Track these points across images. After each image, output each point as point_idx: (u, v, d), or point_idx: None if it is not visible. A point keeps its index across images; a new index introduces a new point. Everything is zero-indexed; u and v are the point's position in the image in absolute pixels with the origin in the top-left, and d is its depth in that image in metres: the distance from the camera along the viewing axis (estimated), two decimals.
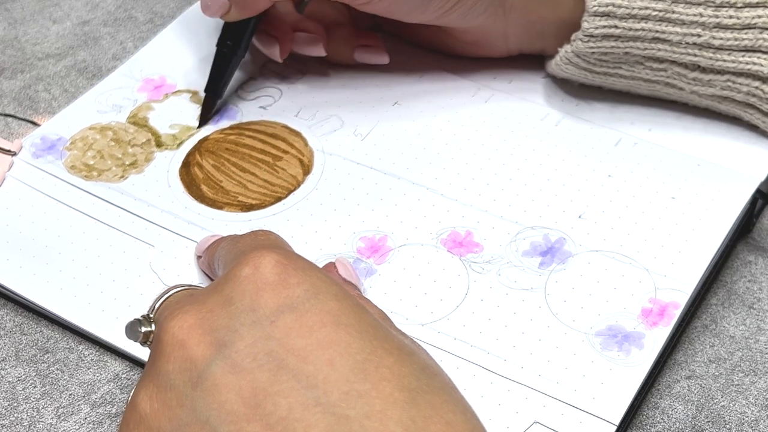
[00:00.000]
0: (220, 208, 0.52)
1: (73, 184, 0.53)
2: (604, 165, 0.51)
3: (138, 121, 0.56)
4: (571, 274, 0.48)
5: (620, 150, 0.52)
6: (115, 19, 0.65)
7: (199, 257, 0.49)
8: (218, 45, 0.55)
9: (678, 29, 0.49)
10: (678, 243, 0.48)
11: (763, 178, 0.51)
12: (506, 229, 0.49)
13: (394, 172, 0.53)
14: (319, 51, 0.56)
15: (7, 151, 0.55)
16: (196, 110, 0.57)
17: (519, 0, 0.52)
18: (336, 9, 0.57)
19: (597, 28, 0.49)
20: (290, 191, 0.52)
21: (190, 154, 0.55)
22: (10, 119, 0.59)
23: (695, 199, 0.50)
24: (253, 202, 0.52)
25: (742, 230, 0.51)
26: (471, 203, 0.51)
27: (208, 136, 0.56)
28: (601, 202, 0.50)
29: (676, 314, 0.46)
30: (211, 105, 0.56)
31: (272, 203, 0.52)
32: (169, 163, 0.54)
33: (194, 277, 0.49)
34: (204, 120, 0.56)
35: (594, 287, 0.47)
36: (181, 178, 0.53)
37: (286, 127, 0.56)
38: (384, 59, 0.56)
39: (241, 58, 0.55)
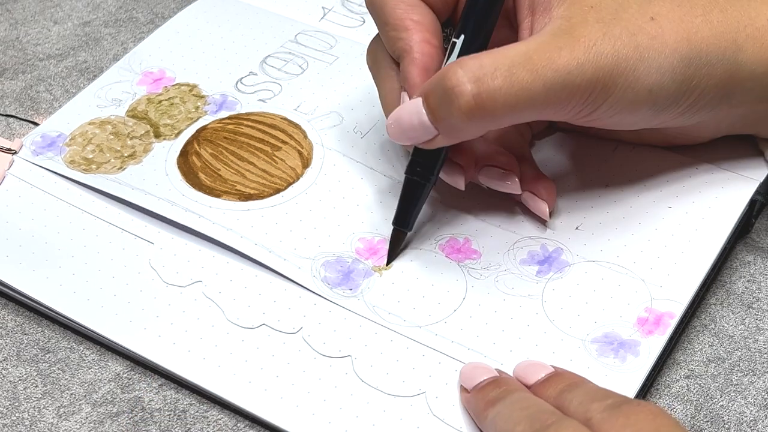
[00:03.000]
0: (217, 196, 0.52)
1: (71, 179, 0.53)
2: (602, 174, 0.51)
3: (137, 114, 0.57)
4: (568, 282, 0.48)
5: (618, 156, 0.52)
6: (116, 19, 0.65)
7: (464, 390, 0.44)
8: (408, 173, 0.48)
9: None
10: (674, 254, 0.48)
11: (761, 180, 0.51)
12: (504, 238, 0.50)
13: (394, 175, 0.53)
14: (514, 188, 0.49)
15: (8, 150, 0.55)
16: (194, 102, 0.57)
17: (749, 95, 0.47)
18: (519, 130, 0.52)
19: None
20: (289, 183, 0.53)
21: (188, 144, 0.55)
22: (11, 120, 0.59)
23: (692, 208, 0.50)
24: (252, 191, 0.52)
25: (742, 231, 0.51)
26: (469, 211, 0.51)
27: (206, 125, 0.56)
28: (598, 213, 0.50)
29: (671, 323, 0.46)
30: (401, 239, 0.49)
31: (271, 194, 0.52)
32: (167, 152, 0.54)
33: (194, 275, 0.49)
34: (393, 257, 0.49)
35: (590, 296, 0.47)
36: (179, 167, 0.54)
37: (285, 118, 0.56)
38: (545, 216, 0.49)
39: (432, 186, 0.48)
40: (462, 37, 0.46)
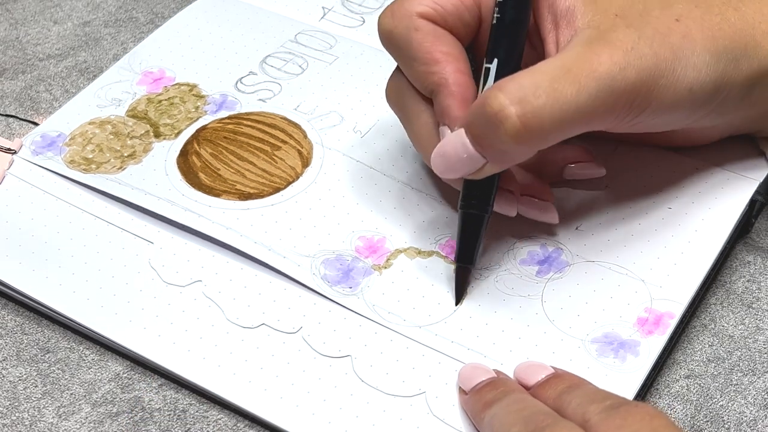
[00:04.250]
0: (217, 195, 0.52)
1: (71, 179, 0.53)
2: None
3: (137, 113, 0.57)
4: (567, 282, 0.48)
5: (618, 157, 0.52)
6: (116, 19, 0.65)
7: (462, 392, 0.44)
8: (463, 208, 0.47)
9: None
10: (674, 255, 0.48)
11: (761, 180, 0.50)
12: (504, 238, 0.49)
13: (394, 174, 0.53)
14: (552, 218, 0.49)
15: (8, 150, 0.55)
16: (194, 102, 0.57)
17: (766, 91, 0.47)
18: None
19: None
20: (289, 183, 0.53)
21: (188, 143, 0.55)
22: (11, 120, 0.59)
23: (692, 209, 0.50)
24: (251, 191, 0.52)
25: (742, 230, 0.51)
26: None
27: (206, 125, 0.56)
28: (598, 213, 0.50)
29: (671, 324, 0.46)
30: (467, 276, 0.48)
31: (270, 193, 0.52)
32: (167, 152, 0.54)
33: (193, 275, 0.49)
34: (461, 295, 0.47)
35: (590, 296, 0.47)
36: (179, 167, 0.54)
37: (284, 118, 0.56)
38: (600, 171, 0.50)
39: (490, 216, 0.47)
40: (495, 61, 0.45)
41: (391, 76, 0.49)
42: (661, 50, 0.44)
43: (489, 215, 0.47)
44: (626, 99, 0.43)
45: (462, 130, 0.44)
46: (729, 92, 0.46)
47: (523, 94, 0.42)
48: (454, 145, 0.44)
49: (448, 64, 0.46)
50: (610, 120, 0.44)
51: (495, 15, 0.46)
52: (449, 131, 0.45)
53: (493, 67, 0.45)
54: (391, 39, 0.47)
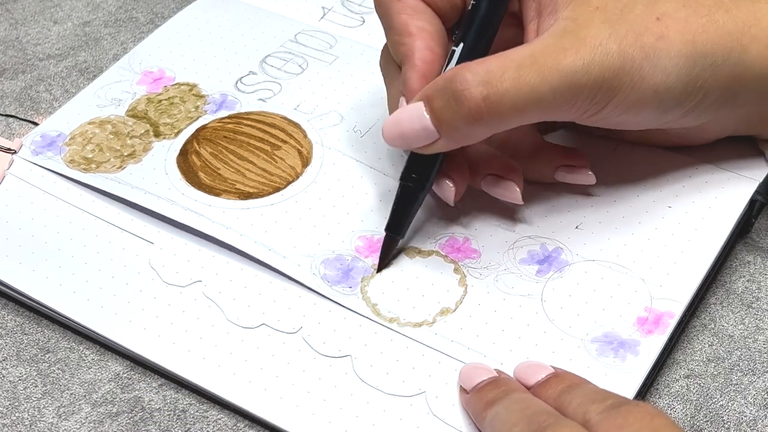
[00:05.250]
0: (217, 194, 0.52)
1: (71, 178, 0.53)
2: (602, 173, 0.51)
3: (137, 113, 0.57)
4: (567, 282, 0.48)
5: (618, 156, 0.52)
6: (116, 19, 0.65)
7: (464, 391, 0.44)
8: (402, 179, 0.48)
9: None
10: (674, 254, 0.48)
11: (761, 180, 0.50)
12: (504, 238, 0.49)
13: (394, 174, 0.53)
14: (515, 198, 0.49)
15: (7, 150, 0.55)
16: (194, 101, 0.57)
17: (753, 95, 0.47)
18: (525, 130, 0.50)
19: None
20: (289, 182, 0.53)
21: (187, 143, 0.55)
22: (11, 120, 0.59)
23: (692, 208, 0.50)
24: (251, 190, 0.52)
25: (741, 230, 0.51)
26: (469, 211, 0.51)
27: (206, 124, 0.56)
28: (598, 212, 0.50)
29: (671, 323, 0.46)
30: (393, 246, 0.49)
31: (270, 193, 0.52)
32: (166, 151, 0.54)
33: (193, 275, 0.49)
34: (384, 264, 0.49)
35: (590, 295, 0.47)
36: (179, 166, 0.54)
37: (284, 118, 0.56)
38: (590, 179, 0.50)
39: (426, 193, 0.48)
40: (461, 45, 0.46)
41: (385, 43, 0.50)
42: (630, 49, 0.44)
43: (425, 192, 0.48)
44: (587, 94, 0.44)
45: (422, 102, 0.45)
46: (704, 96, 0.46)
47: (489, 77, 0.43)
48: (411, 116, 0.45)
49: (419, 38, 0.47)
50: (571, 112, 0.45)
51: (471, 2, 0.47)
52: (405, 103, 0.46)
53: (458, 50, 0.46)
54: (378, 4, 0.49)
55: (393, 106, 0.48)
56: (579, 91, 0.43)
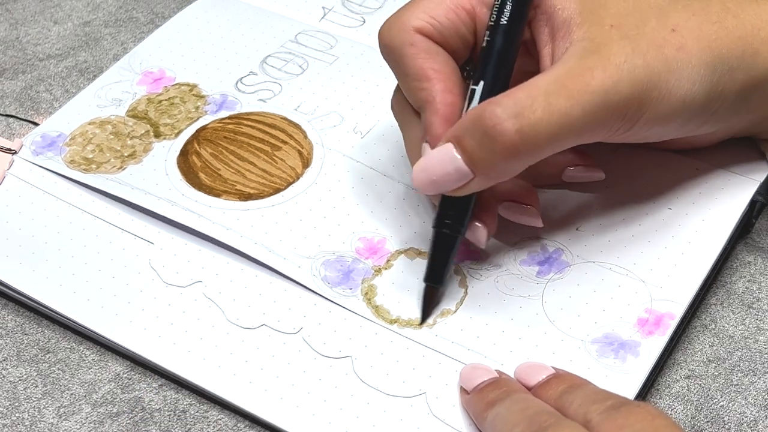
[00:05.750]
0: (217, 195, 0.52)
1: (71, 179, 0.53)
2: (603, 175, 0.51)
3: (137, 113, 0.57)
4: (568, 283, 0.48)
5: (619, 157, 0.52)
6: (116, 19, 0.65)
7: (464, 392, 0.44)
8: (436, 227, 0.46)
9: None
10: (674, 255, 0.48)
11: (762, 180, 0.50)
12: (504, 239, 0.49)
13: (394, 175, 0.53)
14: (536, 222, 0.48)
15: (8, 150, 0.55)
16: (194, 102, 0.57)
17: (764, 98, 0.47)
18: None
19: None
20: (289, 183, 0.53)
21: (188, 143, 0.55)
22: (11, 120, 0.59)
23: (692, 209, 0.50)
24: (252, 191, 0.52)
25: (742, 231, 0.51)
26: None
27: (206, 125, 0.56)
28: (599, 214, 0.50)
29: (672, 324, 0.46)
30: (434, 296, 0.47)
31: (271, 194, 0.52)
32: (167, 152, 0.54)
33: (194, 275, 0.49)
34: (427, 315, 0.47)
35: (591, 296, 0.47)
36: (179, 167, 0.54)
37: (285, 118, 0.56)
38: (599, 175, 0.50)
39: (462, 237, 0.46)
40: (481, 83, 0.45)
41: (396, 87, 0.49)
42: (655, 63, 0.44)
43: (462, 236, 0.46)
44: (619, 112, 0.43)
45: (450, 144, 0.44)
46: (723, 102, 0.46)
47: (519, 108, 0.42)
48: (441, 159, 0.44)
49: (437, 81, 0.46)
50: (603, 133, 0.44)
51: (485, 38, 0.46)
52: (429, 149, 0.45)
53: (479, 89, 0.45)
54: (388, 52, 0.47)
55: (414, 152, 0.47)
56: (612, 110, 0.43)
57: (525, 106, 0.42)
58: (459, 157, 0.43)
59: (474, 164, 0.43)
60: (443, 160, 0.44)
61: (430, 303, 0.47)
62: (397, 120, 0.50)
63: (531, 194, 0.48)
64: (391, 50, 0.47)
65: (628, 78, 0.43)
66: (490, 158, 0.43)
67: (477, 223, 0.47)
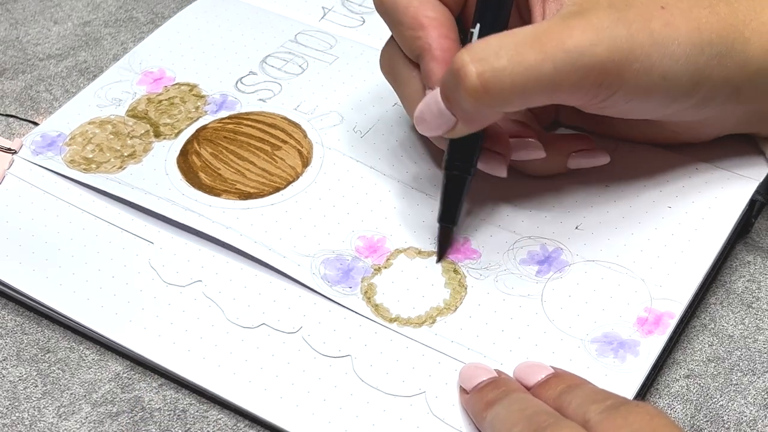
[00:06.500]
0: (217, 195, 0.52)
1: (71, 179, 0.53)
2: (602, 174, 0.51)
3: (137, 113, 0.57)
4: (567, 282, 0.48)
5: (618, 156, 0.52)
6: (116, 19, 0.65)
7: (464, 391, 0.44)
8: (447, 169, 0.48)
9: None
10: (674, 254, 0.48)
11: (761, 179, 0.50)
12: (504, 238, 0.49)
13: (394, 174, 0.53)
14: (539, 153, 0.49)
15: (8, 150, 0.55)
16: (194, 101, 0.57)
17: (756, 90, 0.47)
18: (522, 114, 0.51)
19: None
20: (289, 182, 0.53)
21: (188, 143, 0.55)
22: (11, 120, 0.59)
23: (692, 208, 0.50)
24: (251, 190, 0.52)
25: (741, 230, 0.51)
26: (469, 211, 0.51)
27: (206, 125, 0.56)
28: (598, 212, 0.50)
29: (671, 323, 0.46)
30: (449, 235, 0.49)
31: (270, 193, 0.52)
32: (167, 152, 0.54)
33: (193, 275, 0.49)
34: (443, 253, 0.49)
35: (590, 296, 0.47)
36: (179, 166, 0.54)
37: (285, 118, 0.56)
38: (604, 159, 0.50)
39: (472, 177, 0.48)
40: (478, 25, 0.46)
41: (385, 45, 0.50)
42: (639, 35, 0.43)
43: (471, 176, 0.48)
44: (595, 77, 0.43)
45: (437, 89, 0.45)
46: (711, 88, 0.45)
47: (485, 54, 0.42)
48: (428, 102, 0.45)
49: (433, 29, 0.46)
50: (579, 96, 0.44)
51: None
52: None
53: (476, 31, 0.46)
54: (381, 3, 0.48)
55: (415, 103, 0.47)
56: (586, 72, 0.43)
57: (492, 53, 0.42)
58: (441, 100, 0.44)
59: (452, 107, 0.44)
60: (430, 103, 0.45)
61: (444, 242, 0.49)
62: (388, 77, 0.50)
63: (533, 133, 0.49)
64: (384, 1, 0.48)
65: (608, 43, 0.43)
66: (459, 101, 0.44)
67: (492, 155, 0.48)
